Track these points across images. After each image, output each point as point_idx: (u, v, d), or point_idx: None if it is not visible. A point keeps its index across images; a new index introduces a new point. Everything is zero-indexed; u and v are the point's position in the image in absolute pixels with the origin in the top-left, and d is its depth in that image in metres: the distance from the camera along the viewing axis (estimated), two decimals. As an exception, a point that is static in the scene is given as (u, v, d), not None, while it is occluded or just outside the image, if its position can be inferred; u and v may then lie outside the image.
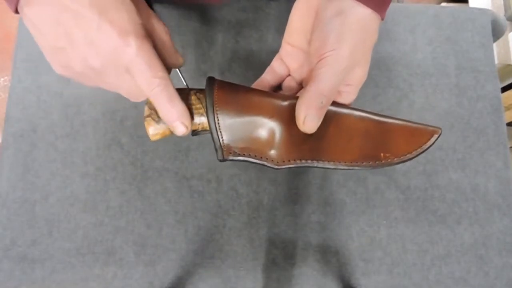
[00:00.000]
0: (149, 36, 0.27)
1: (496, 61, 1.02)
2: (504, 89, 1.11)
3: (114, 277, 0.44)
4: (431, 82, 0.52)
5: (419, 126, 0.32)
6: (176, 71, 0.49)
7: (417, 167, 0.49)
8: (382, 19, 0.30)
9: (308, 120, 0.28)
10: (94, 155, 0.47)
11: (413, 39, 0.53)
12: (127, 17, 0.25)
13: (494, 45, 0.56)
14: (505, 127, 0.51)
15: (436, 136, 0.31)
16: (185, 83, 0.49)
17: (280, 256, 0.46)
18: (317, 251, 0.46)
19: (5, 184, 0.46)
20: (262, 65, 0.51)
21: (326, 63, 0.28)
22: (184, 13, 0.52)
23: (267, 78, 0.35)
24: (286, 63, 0.35)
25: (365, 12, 0.28)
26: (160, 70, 0.27)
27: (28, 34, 0.50)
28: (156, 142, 0.48)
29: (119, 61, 0.26)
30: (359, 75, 0.31)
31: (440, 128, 0.32)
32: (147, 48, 0.26)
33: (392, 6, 0.55)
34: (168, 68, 0.30)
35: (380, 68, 0.52)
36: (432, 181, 0.49)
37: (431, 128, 0.32)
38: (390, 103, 0.51)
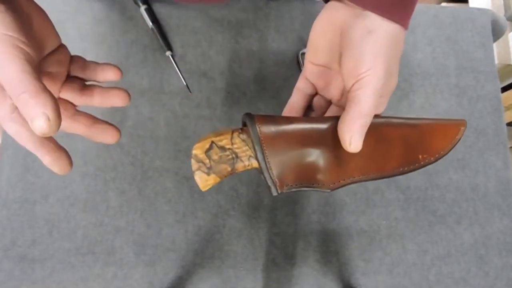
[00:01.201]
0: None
1: (496, 61, 1.02)
2: (504, 89, 1.11)
3: (114, 277, 0.44)
4: (431, 82, 0.52)
5: (446, 122, 0.33)
6: (176, 71, 0.49)
7: (417, 167, 0.49)
8: (406, 29, 0.30)
9: (354, 141, 0.29)
10: (94, 155, 0.47)
11: (413, 39, 0.53)
12: None
13: (494, 45, 0.56)
14: (505, 127, 0.51)
15: (463, 128, 0.32)
16: (185, 83, 0.49)
17: (280, 256, 0.46)
18: (317, 251, 0.46)
19: (5, 184, 0.46)
20: (262, 65, 0.51)
21: (364, 83, 0.28)
22: (184, 13, 0.52)
23: (296, 100, 0.36)
24: (312, 82, 0.35)
25: (393, 28, 0.29)
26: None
27: (28, 34, 0.50)
28: (156, 142, 0.48)
29: None
30: (391, 85, 0.31)
31: (464, 120, 0.32)
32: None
33: (392, 6, 0.55)
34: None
35: (380, 68, 0.52)
36: (432, 181, 0.49)
37: (457, 122, 0.32)
38: (390, 103, 0.50)
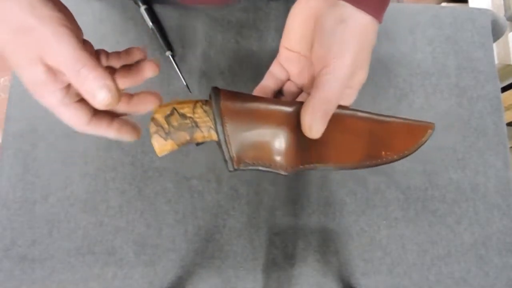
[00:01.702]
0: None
1: (496, 61, 1.02)
2: (504, 89, 1.11)
3: (114, 277, 0.44)
4: (431, 82, 0.52)
5: (414, 122, 0.33)
6: (176, 71, 0.49)
7: (417, 167, 0.49)
8: (380, 22, 0.30)
9: (314, 126, 0.29)
10: (94, 155, 0.47)
11: (413, 39, 0.53)
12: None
13: (494, 45, 0.56)
14: (505, 127, 0.51)
15: (430, 131, 0.32)
16: (185, 83, 0.49)
17: (280, 256, 0.46)
18: (317, 251, 0.46)
19: (5, 184, 0.46)
20: (262, 65, 0.51)
21: (330, 70, 0.29)
22: (184, 13, 0.52)
23: (268, 83, 0.35)
24: (285, 68, 0.35)
25: (366, 19, 0.29)
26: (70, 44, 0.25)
27: (28, 34, 0.50)
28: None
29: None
30: (360, 78, 0.31)
31: (433, 123, 0.33)
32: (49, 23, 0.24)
33: (392, 6, 0.55)
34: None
35: (380, 68, 0.52)
36: (432, 181, 0.49)
37: (425, 124, 0.33)
38: (390, 103, 0.51)
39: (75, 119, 0.27)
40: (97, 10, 0.51)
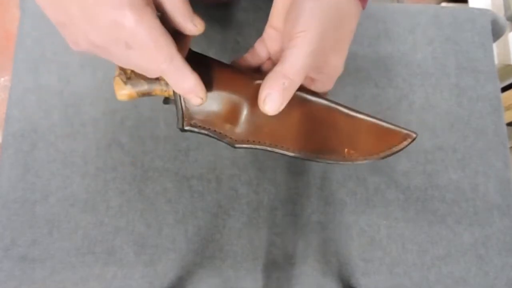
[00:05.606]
0: (157, 1, 0.25)
1: (496, 61, 1.02)
2: (504, 89, 1.11)
3: (114, 277, 0.44)
4: (431, 82, 0.52)
5: (392, 127, 0.31)
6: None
7: (417, 167, 0.49)
8: (363, 8, 0.29)
9: (269, 100, 0.28)
10: (94, 155, 0.47)
11: (413, 39, 0.53)
12: None
13: (494, 45, 0.56)
14: (505, 127, 0.51)
15: (409, 140, 0.30)
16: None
17: (280, 256, 0.46)
18: (317, 251, 0.46)
19: (5, 184, 0.46)
20: (262, 65, 0.51)
21: (294, 44, 0.27)
22: (184, 13, 0.52)
23: (248, 58, 0.35)
24: (267, 46, 0.34)
25: None
26: (165, 44, 0.24)
27: (28, 34, 0.50)
28: (156, 142, 0.48)
29: (118, 37, 0.24)
30: (333, 64, 0.30)
31: (415, 133, 0.31)
32: (148, 19, 0.23)
33: (392, 6, 0.55)
34: (185, 36, 0.28)
35: (380, 68, 0.52)
36: (432, 181, 0.49)
37: (405, 132, 0.30)
38: (390, 103, 0.51)
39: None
40: (97, 10, 0.51)
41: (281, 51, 0.32)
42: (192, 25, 0.27)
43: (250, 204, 0.47)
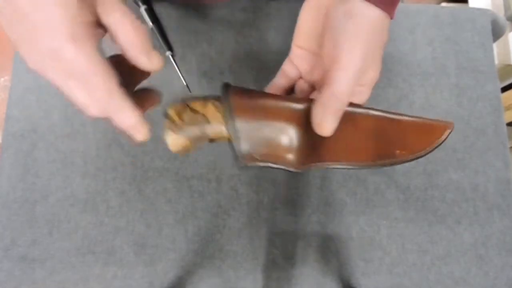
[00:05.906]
0: (111, 33, 0.24)
1: (496, 61, 1.02)
2: (504, 89, 1.11)
3: (114, 277, 0.44)
4: (431, 82, 0.52)
5: (431, 121, 0.32)
6: (176, 71, 0.49)
7: (417, 167, 0.49)
8: (392, 18, 0.30)
9: (325, 123, 0.28)
10: (94, 155, 0.47)
11: (413, 39, 0.53)
12: (61, 13, 0.22)
13: (494, 45, 0.56)
14: (505, 127, 0.51)
15: (449, 130, 0.31)
16: (185, 83, 0.49)
17: (280, 256, 0.46)
18: (317, 251, 0.46)
19: (5, 184, 0.46)
20: (262, 65, 0.51)
21: (339, 66, 0.28)
22: (184, 13, 0.52)
23: (280, 81, 0.35)
24: (297, 66, 0.35)
25: (376, 13, 0.28)
26: (104, 78, 0.23)
27: (28, 34, 0.50)
28: (156, 142, 0.48)
29: (58, 65, 0.23)
30: (372, 75, 0.31)
31: (452, 122, 0.31)
32: (88, 52, 0.23)
33: (392, 6, 0.55)
34: (141, 72, 0.27)
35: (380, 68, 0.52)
36: (432, 181, 0.49)
37: (443, 123, 0.31)
38: (390, 103, 0.51)
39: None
40: (97, 10, 0.51)
41: (319, 71, 0.33)
42: (146, 59, 0.26)
43: (250, 204, 0.47)
